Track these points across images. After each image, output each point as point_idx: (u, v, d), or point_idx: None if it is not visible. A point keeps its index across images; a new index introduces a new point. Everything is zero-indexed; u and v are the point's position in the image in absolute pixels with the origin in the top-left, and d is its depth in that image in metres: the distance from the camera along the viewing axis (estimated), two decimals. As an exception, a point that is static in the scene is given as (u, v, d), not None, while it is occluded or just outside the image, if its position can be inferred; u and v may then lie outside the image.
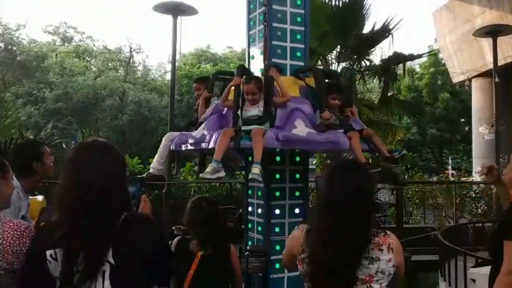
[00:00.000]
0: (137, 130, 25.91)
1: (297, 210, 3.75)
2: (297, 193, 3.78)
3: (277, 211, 3.69)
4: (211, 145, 3.18)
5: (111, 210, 1.85)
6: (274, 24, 3.65)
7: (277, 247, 3.51)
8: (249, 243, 3.77)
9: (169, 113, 9.74)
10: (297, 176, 3.79)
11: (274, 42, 3.67)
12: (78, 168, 1.88)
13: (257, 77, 3.39)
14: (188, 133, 3.52)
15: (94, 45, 33.42)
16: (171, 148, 3.59)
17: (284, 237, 3.52)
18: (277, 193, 3.69)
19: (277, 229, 3.67)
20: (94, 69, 30.98)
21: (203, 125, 3.46)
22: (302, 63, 3.77)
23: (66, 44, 33.51)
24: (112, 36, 65.68)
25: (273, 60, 3.62)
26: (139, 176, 4.00)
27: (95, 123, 26.73)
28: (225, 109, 3.51)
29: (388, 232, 2.21)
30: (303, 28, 3.79)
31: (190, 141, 3.38)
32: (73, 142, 31.29)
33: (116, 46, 31.77)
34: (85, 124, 26.81)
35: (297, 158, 3.80)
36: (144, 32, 54.23)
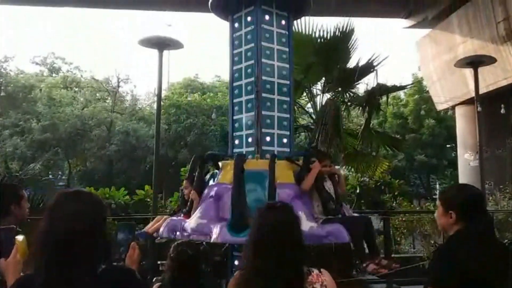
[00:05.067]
0: (125, 159, 25.73)
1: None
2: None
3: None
4: (213, 239, 3.05)
5: (89, 259, 1.82)
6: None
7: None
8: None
9: (155, 144, 9.74)
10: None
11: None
12: (57, 215, 1.86)
13: None
14: (180, 219, 3.37)
15: (81, 75, 33.47)
16: (162, 234, 3.47)
17: None
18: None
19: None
20: (81, 99, 30.87)
21: (198, 211, 3.29)
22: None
23: (53, 75, 33.47)
24: (99, 67, 65.90)
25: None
26: (129, 222, 3.95)
27: (82, 153, 26.51)
28: (215, 190, 3.31)
29: (322, 270, 2.18)
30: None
31: (186, 230, 3.22)
32: (60, 173, 30.90)
33: (104, 77, 31.83)
34: (72, 155, 26.58)
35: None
36: (132, 64, 54.53)
